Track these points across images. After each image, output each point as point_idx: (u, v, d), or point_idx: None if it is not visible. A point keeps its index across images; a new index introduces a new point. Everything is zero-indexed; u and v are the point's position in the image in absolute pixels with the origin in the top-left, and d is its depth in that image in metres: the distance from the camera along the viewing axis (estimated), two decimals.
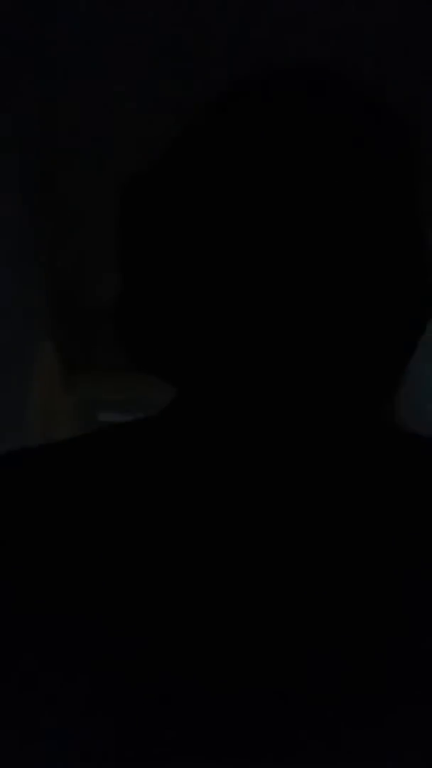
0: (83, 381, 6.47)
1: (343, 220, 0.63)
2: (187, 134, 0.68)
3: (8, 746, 0.60)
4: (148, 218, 0.67)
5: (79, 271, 4.91)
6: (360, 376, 0.64)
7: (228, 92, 0.68)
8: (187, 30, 2.65)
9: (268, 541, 0.63)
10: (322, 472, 0.65)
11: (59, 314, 5.19)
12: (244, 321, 0.63)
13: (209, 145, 0.66)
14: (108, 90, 3.07)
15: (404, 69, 2.73)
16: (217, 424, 0.66)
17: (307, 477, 0.64)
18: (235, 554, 0.62)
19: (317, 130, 0.64)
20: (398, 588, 0.62)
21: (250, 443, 0.65)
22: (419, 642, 0.61)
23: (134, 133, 3.22)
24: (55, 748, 0.60)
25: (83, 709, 0.60)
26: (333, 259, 0.63)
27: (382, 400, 0.66)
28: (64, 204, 4.08)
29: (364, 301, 0.63)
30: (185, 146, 0.68)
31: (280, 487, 0.64)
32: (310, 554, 0.62)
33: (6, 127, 2.98)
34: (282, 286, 0.62)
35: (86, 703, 0.60)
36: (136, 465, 0.66)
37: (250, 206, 0.63)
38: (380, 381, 0.65)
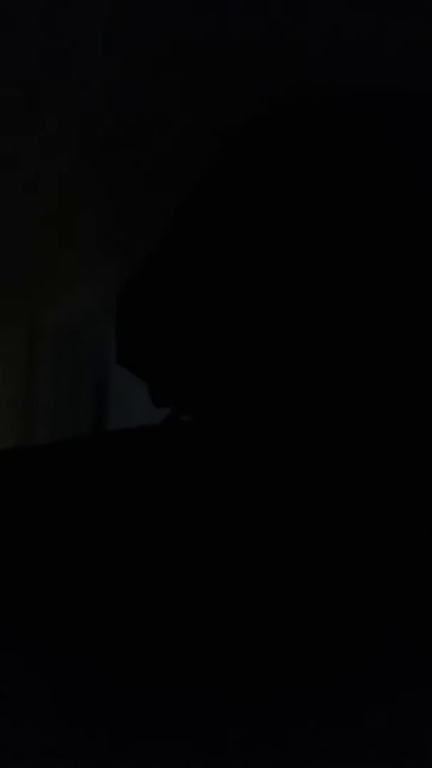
0: None
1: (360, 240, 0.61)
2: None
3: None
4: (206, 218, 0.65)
5: None
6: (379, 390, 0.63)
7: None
8: None
9: (270, 546, 0.62)
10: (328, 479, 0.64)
11: None
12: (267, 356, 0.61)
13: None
14: None
15: None
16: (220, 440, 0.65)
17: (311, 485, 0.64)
18: (238, 555, 0.62)
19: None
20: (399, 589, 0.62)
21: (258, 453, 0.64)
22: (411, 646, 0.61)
23: None
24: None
25: (69, 710, 0.60)
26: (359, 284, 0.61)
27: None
28: None
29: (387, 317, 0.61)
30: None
31: (285, 498, 0.63)
32: (311, 555, 0.62)
33: None
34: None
35: (76, 706, 0.60)
36: (140, 470, 0.66)
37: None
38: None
